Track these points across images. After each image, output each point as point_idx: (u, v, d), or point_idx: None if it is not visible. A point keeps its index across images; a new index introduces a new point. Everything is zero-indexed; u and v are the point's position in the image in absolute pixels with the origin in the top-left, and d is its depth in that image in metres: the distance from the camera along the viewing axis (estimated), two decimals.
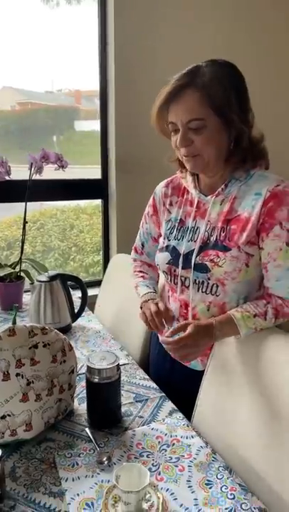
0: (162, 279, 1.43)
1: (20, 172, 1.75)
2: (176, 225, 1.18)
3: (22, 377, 0.94)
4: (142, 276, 1.34)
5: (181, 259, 1.13)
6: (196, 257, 1.10)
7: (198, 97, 0.99)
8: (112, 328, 1.64)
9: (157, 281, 1.36)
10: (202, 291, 1.11)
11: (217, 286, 1.07)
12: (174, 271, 1.16)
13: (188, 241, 1.13)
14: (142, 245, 1.38)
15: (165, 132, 1.11)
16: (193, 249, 1.11)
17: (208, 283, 1.09)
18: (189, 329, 1.00)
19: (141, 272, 1.36)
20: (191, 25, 2.12)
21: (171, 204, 1.23)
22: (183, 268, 1.13)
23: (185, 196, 1.20)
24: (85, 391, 1.14)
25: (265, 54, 2.31)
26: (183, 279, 1.14)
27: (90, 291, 1.68)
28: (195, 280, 1.11)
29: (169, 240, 1.19)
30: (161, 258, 1.19)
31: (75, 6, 2.10)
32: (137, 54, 2.04)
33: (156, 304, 1.19)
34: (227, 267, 1.04)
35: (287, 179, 1.04)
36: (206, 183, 1.15)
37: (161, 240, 1.23)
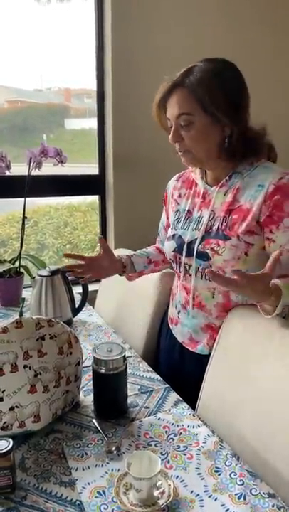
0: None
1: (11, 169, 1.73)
2: (184, 215, 1.23)
3: (30, 368, 0.94)
4: (144, 249, 1.45)
5: (185, 247, 1.17)
6: (199, 245, 1.13)
7: (186, 94, 1.04)
8: (113, 322, 1.64)
9: (155, 260, 1.43)
10: (205, 279, 1.14)
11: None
12: (179, 259, 1.20)
13: (193, 230, 1.17)
14: (158, 234, 1.47)
15: (165, 127, 1.15)
16: (196, 238, 1.15)
17: None
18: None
19: (147, 248, 1.46)
20: (190, 22, 2.12)
21: (179, 196, 1.28)
22: (186, 256, 1.17)
23: (194, 188, 1.24)
24: (89, 383, 1.15)
25: (265, 52, 2.33)
26: (187, 266, 1.18)
27: (89, 287, 1.68)
28: (198, 268, 1.14)
29: (176, 230, 1.23)
30: (168, 246, 1.24)
31: (66, 3, 2.10)
32: (134, 50, 2.04)
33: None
34: (226, 255, 1.07)
35: None
36: (211, 176, 1.19)
37: (169, 229, 1.28)
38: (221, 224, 1.10)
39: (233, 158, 1.10)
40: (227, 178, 1.12)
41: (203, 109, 1.04)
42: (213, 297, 1.14)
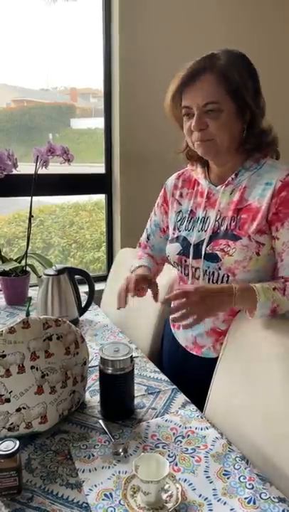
0: (172, 273, 1.43)
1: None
2: (187, 216, 1.19)
3: (37, 369, 0.93)
4: (139, 258, 1.35)
5: (191, 249, 1.13)
6: (207, 246, 1.10)
7: (215, 80, 1.01)
8: (119, 321, 1.63)
9: (154, 271, 1.34)
10: (213, 282, 1.11)
11: (228, 276, 1.07)
12: (185, 261, 1.16)
13: (199, 231, 1.14)
14: (148, 238, 1.38)
15: (178, 118, 1.11)
16: (204, 239, 1.11)
17: (218, 273, 1.09)
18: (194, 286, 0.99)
19: (140, 256, 1.36)
20: (197, 20, 2.11)
21: (181, 196, 1.24)
22: (193, 258, 1.13)
23: (196, 188, 1.21)
24: (96, 383, 1.15)
25: (268, 50, 2.32)
26: (194, 269, 1.14)
27: (95, 286, 1.67)
28: (206, 270, 1.11)
29: (180, 231, 1.19)
30: (172, 249, 1.20)
31: (72, 2, 2.09)
32: (142, 49, 2.03)
33: (129, 278, 1.15)
34: (237, 255, 1.04)
35: None
36: (216, 174, 1.16)
37: (170, 231, 1.24)
38: (230, 224, 1.08)
39: (247, 151, 1.08)
40: (233, 176, 1.09)
41: (231, 96, 1.01)
42: None
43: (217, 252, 1.07)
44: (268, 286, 1.00)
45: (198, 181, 1.20)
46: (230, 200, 1.10)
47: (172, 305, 1.00)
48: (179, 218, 1.22)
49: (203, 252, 1.10)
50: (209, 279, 1.11)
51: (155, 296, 1.13)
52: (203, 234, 1.12)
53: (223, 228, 1.09)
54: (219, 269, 1.08)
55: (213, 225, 1.11)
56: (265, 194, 1.03)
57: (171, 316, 0.98)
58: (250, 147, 1.07)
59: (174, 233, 1.22)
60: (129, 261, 1.53)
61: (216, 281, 1.10)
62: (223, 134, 1.04)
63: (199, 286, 0.99)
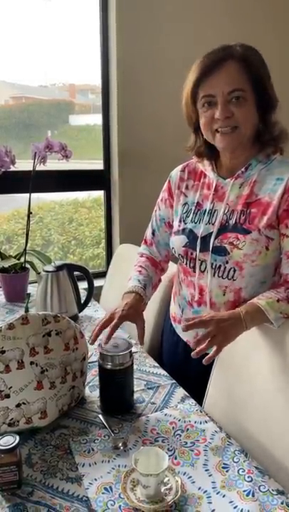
0: (172, 267, 1.43)
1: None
2: (193, 208, 1.18)
3: (36, 365, 0.94)
4: (139, 271, 1.28)
5: (198, 241, 1.12)
6: (215, 239, 1.09)
7: (240, 67, 1.02)
8: None
9: (155, 283, 1.30)
10: (218, 276, 1.10)
11: (234, 270, 1.07)
12: (191, 254, 1.15)
13: (206, 224, 1.12)
14: (153, 233, 1.33)
15: (190, 115, 1.12)
16: (212, 232, 1.10)
17: (225, 267, 1.08)
18: (210, 314, 0.98)
19: (141, 267, 1.30)
20: (194, 19, 2.11)
21: (187, 188, 1.22)
22: (201, 251, 1.12)
23: (202, 180, 1.19)
24: (95, 379, 1.15)
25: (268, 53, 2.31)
26: (200, 262, 1.13)
27: (94, 283, 1.67)
28: (212, 264, 1.10)
29: (186, 223, 1.18)
30: (177, 241, 1.18)
31: None
32: (139, 47, 2.03)
33: (114, 313, 1.10)
34: (247, 249, 1.04)
35: None
36: (226, 167, 1.15)
37: (176, 223, 1.22)
38: (239, 218, 1.07)
39: (261, 144, 1.08)
40: (243, 169, 1.09)
41: (252, 84, 1.02)
42: (224, 295, 1.11)
43: (226, 246, 1.07)
44: (272, 300, 0.99)
45: (204, 173, 1.19)
46: (240, 193, 1.09)
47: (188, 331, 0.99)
48: (184, 210, 1.20)
49: (211, 245, 1.10)
50: (215, 273, 1.10)
51: (140, 338, 1.09)
52: (210, 227, 1.12)
53: (231, 222, 1.08)
54: (226, 262, 1.07)
55: (222, 218, 1.10)
56: (276, 189, 1.03)
57: (193, 352, 0.94)
58: (266, 139, 1.07)
59: (179, 225, 1.20)
60: (128, 257, 1.53)
61: (222, 275, 1.09)
62: (248, 122, 1.05)
63: (212, 315, 0.97)
